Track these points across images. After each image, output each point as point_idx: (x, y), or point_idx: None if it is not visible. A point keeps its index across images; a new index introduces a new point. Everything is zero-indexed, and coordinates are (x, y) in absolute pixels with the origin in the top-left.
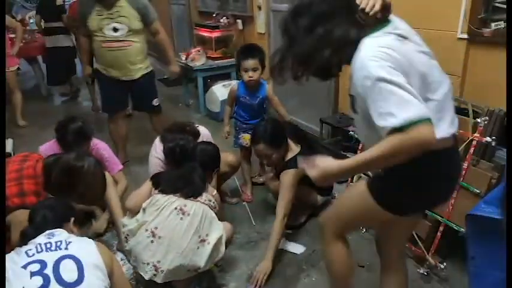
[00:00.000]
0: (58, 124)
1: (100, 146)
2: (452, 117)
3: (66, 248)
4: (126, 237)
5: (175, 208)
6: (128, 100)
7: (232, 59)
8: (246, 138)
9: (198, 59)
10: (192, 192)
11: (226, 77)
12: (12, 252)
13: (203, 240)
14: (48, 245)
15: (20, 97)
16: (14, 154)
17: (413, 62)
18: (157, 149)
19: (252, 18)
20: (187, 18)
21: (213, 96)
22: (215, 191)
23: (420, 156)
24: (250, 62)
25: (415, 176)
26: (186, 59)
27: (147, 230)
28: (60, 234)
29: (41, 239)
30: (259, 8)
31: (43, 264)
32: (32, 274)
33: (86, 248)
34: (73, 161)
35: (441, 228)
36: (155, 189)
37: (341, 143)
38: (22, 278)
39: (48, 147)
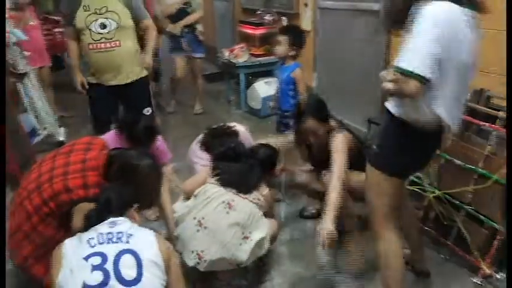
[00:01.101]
0: (123, 120)
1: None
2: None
3: (127, 242)
4: (176, 222)
5: (223, 202)
6: (118, 111)
7: (275, 56)
8: None
9: (241, 55)
10: (243, 189)
11: (268, 74)
12: (74, 237)
13: (246, 237)
14: (110, 236)
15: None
16: (65, 142)
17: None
18: (198, 154)
19: (298, 15)
20: (231, 15)
21: (254, 93)
22: (266, 190)
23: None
24: (278, 36)
25: (405, 143)
26: (229, 55)
27: (194, 219)
28: (122, 223)
29: (103, 228)
30: (306, 5)
31: (104, 257)
32: (93, 268)
33: (146, 242)
34: (131, 158)
35: (499, 237)
36: (212, 177)
37: None
38: (83, 270)
39: (108, 138)
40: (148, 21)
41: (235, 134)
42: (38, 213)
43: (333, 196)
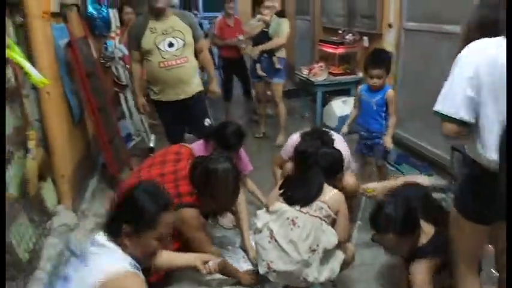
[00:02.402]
0: (215, 128)
1: None
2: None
3: (76, 271)
4: (254, 231)
5: (287, 218)
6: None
7: (354, 76)
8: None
9: (320, 74)
10: (303, 203)
11: (345, 93)
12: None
13: (313, 250)
14: (80, 257)
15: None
16: (154, 148)
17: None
18: (293, 138)
19: (381, 36)
20: (311, 34)
21: (331, 111)
22: (331, 193)
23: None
24: (376, 71)
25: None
26: (308, 73)
27: (267, 230)
28: (97, 247)
29: (88, 244)
30: (390, 25)
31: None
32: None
33: (84, 280)
34: (212, 163)
35: None
36: (280, 195)
37: None
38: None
39: (196, 148)
40: (203, 43)
41: (331, 142)
42: None
43: None
